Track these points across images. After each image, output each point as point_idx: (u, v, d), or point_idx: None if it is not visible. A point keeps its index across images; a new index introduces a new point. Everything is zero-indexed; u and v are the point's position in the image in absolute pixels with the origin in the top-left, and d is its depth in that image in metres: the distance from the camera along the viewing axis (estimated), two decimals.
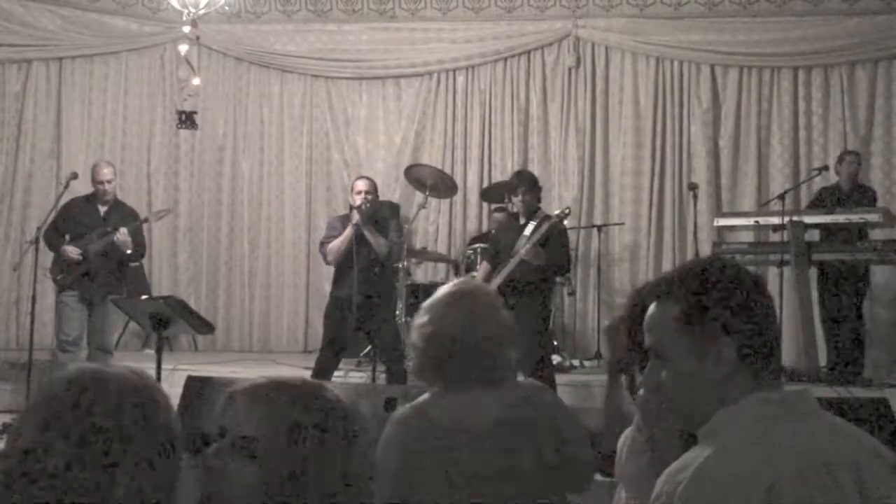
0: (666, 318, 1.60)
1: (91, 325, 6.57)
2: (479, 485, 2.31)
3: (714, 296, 1.57)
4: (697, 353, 1.56)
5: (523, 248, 5.94)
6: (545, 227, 6.00)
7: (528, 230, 6.09)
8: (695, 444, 1.57)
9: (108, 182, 6.66)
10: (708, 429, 1.55)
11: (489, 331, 2.40)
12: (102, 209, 6.70)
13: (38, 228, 6.66)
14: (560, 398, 2.61)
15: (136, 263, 7.36)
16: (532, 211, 6.18)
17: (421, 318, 2.44)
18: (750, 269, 1.74)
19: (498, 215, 8.14)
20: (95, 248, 6.48)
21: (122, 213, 6.76)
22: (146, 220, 6.87)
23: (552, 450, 2.39)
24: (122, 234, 6.41)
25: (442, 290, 2.50)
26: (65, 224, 6.61)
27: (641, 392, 2.17)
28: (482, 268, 6.42)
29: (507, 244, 6.18)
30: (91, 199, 6.71)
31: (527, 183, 6.22)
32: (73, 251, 6.47)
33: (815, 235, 7.24)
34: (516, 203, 6.25)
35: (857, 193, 7.25)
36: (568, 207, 6.60)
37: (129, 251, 6.51)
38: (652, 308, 1.65)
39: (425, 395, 2.47)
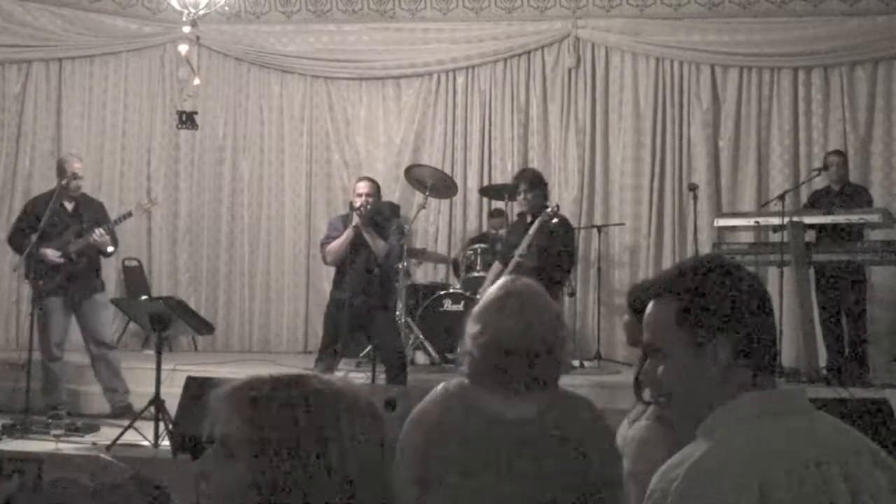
0: (663, 316, 1.61)
1: (82, 325, 6.46)
2: (503, 479, 2.30)
3: (711, 294, 1.58)
4: (694, 351, 1.57)
5: (519, 249, 5.94)
6: (536, 225, 5.99)
7: (532, 229, 6.09)
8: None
9: (81, 176, 6.50)
10: (705, 426, 1.56)
11: (541, 333, 2.38)
12: (69, 205, 6.52)
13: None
14: (601, 415, 2.50)
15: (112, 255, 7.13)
16: (538, 209, 6.17)
17: (474, 327, 2.41)
18: (749, 269, 1.74)
19: (494, 221, 8.14)
20: (74, 248, 6.35)
21: (92, 208, 6.60)
22: (130, 214, 6.72)
23: (576, 462, 2.36)
24: (99, 235, 6.27)
25: (492, 293, 2.46)
26: (31, 225, 6.34)
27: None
28: (493, 268, 6.38)
29: (513, 244, 6.18)
30: (58, 197, 6.42)
31: (528, 182, 6.19)
32: (54, 254, 6.32)
33: (811, 237, 7.24)
34: (520, 202, 6.23)
35: (847, 193, 7.25)
36: (556, 204, 6.55)
37: (109, 249, 6.40)
38: (650, 306, 1.66)
39: (466, 381, 2.45)
